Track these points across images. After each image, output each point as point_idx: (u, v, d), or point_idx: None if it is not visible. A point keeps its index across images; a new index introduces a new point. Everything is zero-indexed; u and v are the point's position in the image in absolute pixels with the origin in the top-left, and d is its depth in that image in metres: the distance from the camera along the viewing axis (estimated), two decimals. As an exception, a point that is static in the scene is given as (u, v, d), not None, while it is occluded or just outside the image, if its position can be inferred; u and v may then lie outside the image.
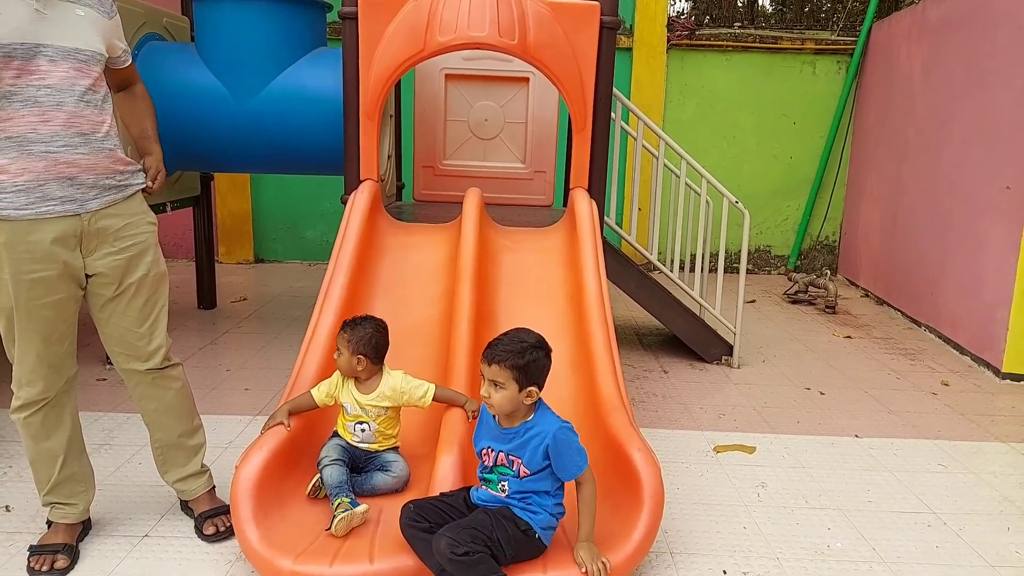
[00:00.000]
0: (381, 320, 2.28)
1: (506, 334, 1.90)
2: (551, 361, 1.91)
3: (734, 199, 3.80)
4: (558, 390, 2.62)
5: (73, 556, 2.01)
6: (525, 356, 1.84)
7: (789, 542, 2.23)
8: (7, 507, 2.28)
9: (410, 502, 1.92)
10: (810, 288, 5.33)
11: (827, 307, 5.06)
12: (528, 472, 1.87)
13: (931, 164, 4.67)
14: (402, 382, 2.22)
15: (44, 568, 1.96)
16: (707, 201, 3.93)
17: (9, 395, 1.99)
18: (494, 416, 1.94)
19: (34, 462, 2.04)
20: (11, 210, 1.82)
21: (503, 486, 1.90)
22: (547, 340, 1.91)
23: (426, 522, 1.85)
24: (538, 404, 1.92)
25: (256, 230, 6.17)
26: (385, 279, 3.00)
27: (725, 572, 2.07)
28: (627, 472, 2.09)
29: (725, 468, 2.69)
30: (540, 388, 1.89)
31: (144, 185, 2.09)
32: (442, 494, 1.97)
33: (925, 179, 4.74)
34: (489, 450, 1.93)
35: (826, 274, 5.39)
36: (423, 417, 2.42)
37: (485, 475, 1.94)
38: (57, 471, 2.03)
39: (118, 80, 2.14)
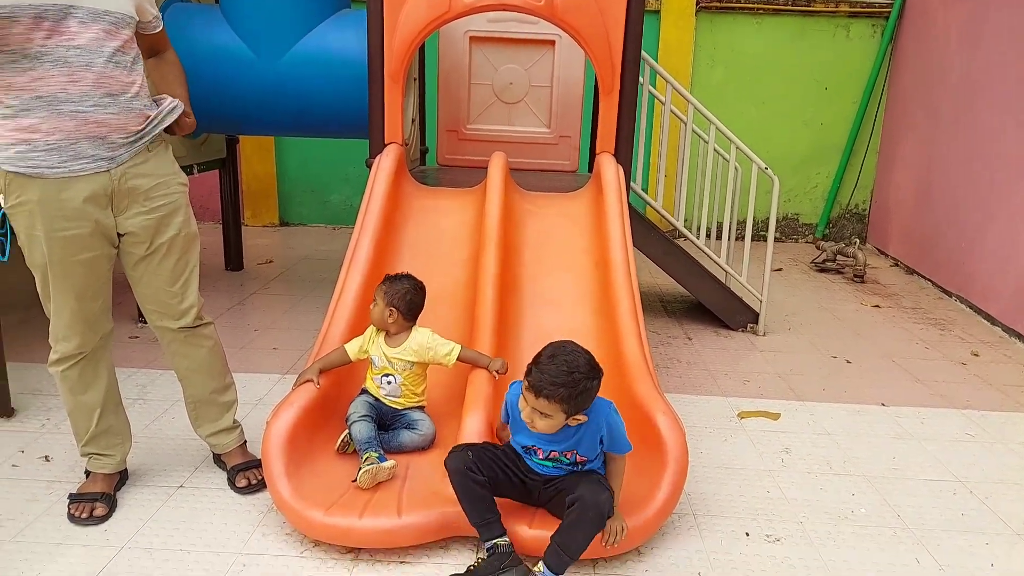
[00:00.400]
0: (420, 281, 2.32)
1: (554, 355, 1.70)
2: (599, 384, 1.77)
3: (764, 165, 3.74)
4: (583, 354, 2.63)
5: (111, 504, 2.08)
6: (578, 388, 1.69)
7: (813, 507, 2.23)
8: (47, 457, 2.36)
9: (466, 448, 1.87)
10: (838, 257, 5.25)
11: (855, 276, 4.99)
12: (586, 459, 1.85)
13: (967, 130, 4.54)
14: (429, 339, 2.25)
15: (84, 515, 2.03)
16: (736, 167, 3.87)
17: (47, 350, 2.04)
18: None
19: (72, 414, 2.10)
20: (44, 168, 1.85)
21: (558, 470, 1.87)
22: (596, 360, 1.76)
23: (482, 475, 1.81)
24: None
25: (281, 194, 6.20)
26: (411, 242, 3.01)
27: (748, 534, 2.08)
28: (652, 435, 2.10)
29: (749, 434, 2.70)
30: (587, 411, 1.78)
31: (169, 122, 2.05)
32: (490, 444, 1.94)
33: (961, 146, 4.62)
34: (536, 448, 1.86)
35: (855, 243, 5.31)
36: (449, 378, 2.44)
37: (529, 458, 1.89)
38: (95, 423, 2.09)
39: (148, 46, 2.12)
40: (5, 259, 2.10)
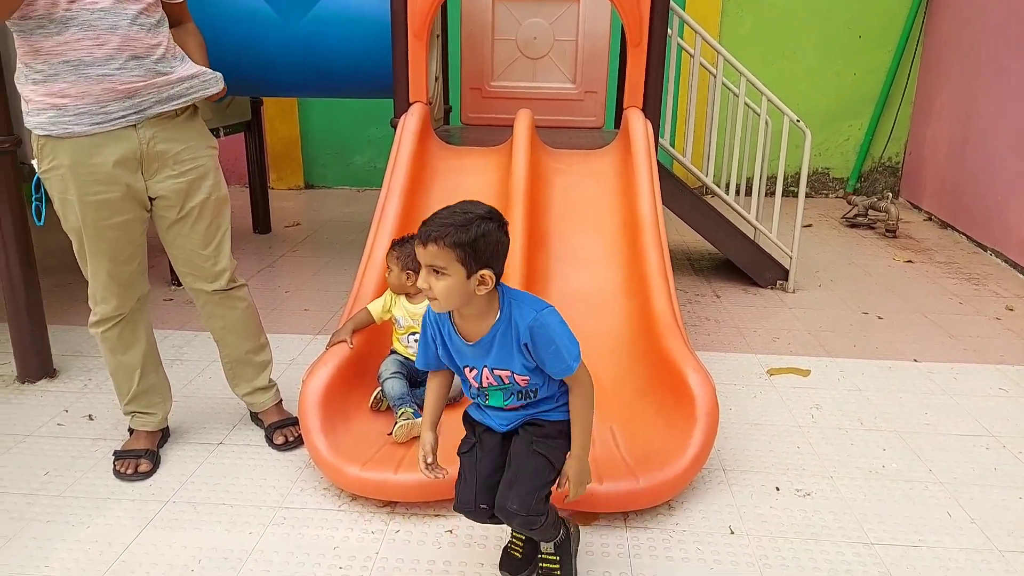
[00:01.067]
0: None
1: (446, 207, 1.42)
2: (509, 238, 1.44)
3: (796, 117, 3.65)
4: (611, 314, 2.64)
5: (155, 461, 2.15)
6: (472, 229, 1.36)
7: (843, 462, 2.23)
8: (90, 416, 2.43)
9: (463, 495, 1.58)
10: (870, 211, 5.15)
11: (887, 231, 4.89)
12: (528, 378, 1.49)
13: (1007, 80, 4.38)
14: None
15: (129, 471, 2.10)
16: (766, 121, 3.79)
17: (87, 313, 2.09)
18: (455, 329, 1.50)
19: (114, 374, 2.16)
20: (75, 127, 1.87)
21: (511, 402, 1.54)
22: (499, 213, 1.43)
23: (490, 508, 1.55)
24: (503, 294, 1.47)
25: (305, 156, 6.20)
26: (437, 202, 2.95)
27: (778, 489, 2.09)
28: (681, 391, 2.11)
29: (779, 391, 2.69)
30: (498, 274, 1.42)
31: (209, 94, 2.06)
32: (473, 450, 1.60)
33: (999, 96, 4.46)
34: (471, 368, 1.52)
35: (887, 197, 5.19)
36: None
37: (482, 400, 1.57)
38: (136, 383, 2.15)
39: (170, 17, 2.11)
40: (41, 223, 2.15)
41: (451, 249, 1.35)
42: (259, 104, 4.57)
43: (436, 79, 3.84)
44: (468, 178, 3.10)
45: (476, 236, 1.36)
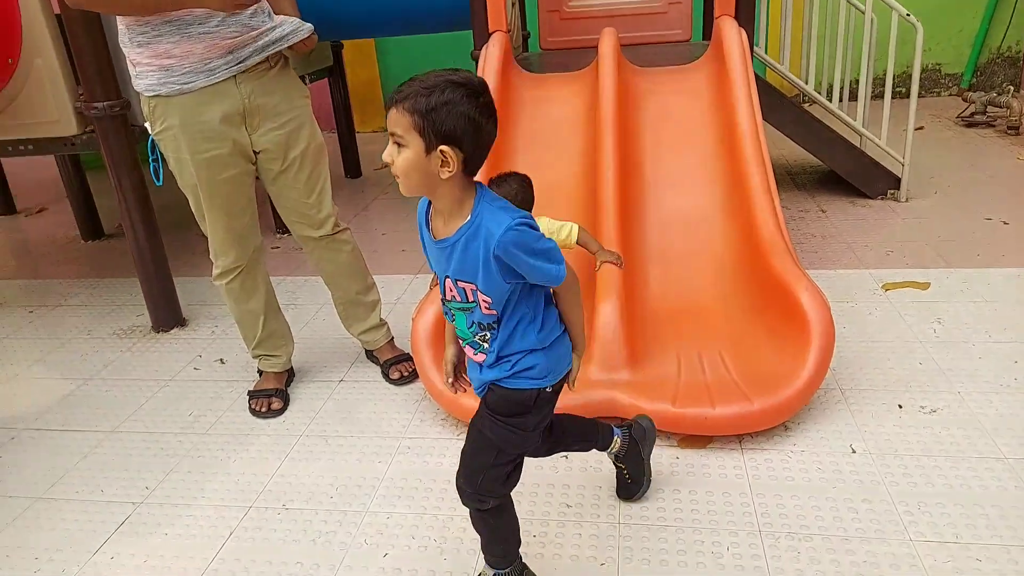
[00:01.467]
0: (526, 176, 2.29)
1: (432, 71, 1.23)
2: (486, 118, 1.20)
3: (905, 11, 3.34)
4: (713, 236, 2.56)
5: (285, 399, 2.30)
6: (435, 95, 1.17)
7: (971, 376, 2.13)
8: (221, 360, 2.61)
9: (461, 489, 1.46)
10: (989, 108, 4.72)
11: (1009, 128, 4.49)
12: (490, 301, 1.29)
13: None
14: (547, 224, 2.26)
15: (263, 409, 2.25)
16: (871, 17, 3.49)
17: (208, 265, 2.22)
18: (427, 222, 1.34)
19: (240, 322, 2.30)
20: (184, 85, 1.93)
21: (481, 340, 1.35)
22: (478, 81, 1.22)
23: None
24: (480, 195, 1.26)
25: (387, 98, 6.24)
26: (525, 135, 2.96)
27: (901, 407, 2.03)
28: (794, 312, 2.04)
29: (896, 306, 2.57)
30: (469, 158, 1.21)
31: (297, 40, 2.08)
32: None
33: None
34: (438, 276, 1.37)
35: (1008, 91, 4.73)
36: (573, 265, 2.45)
37: (450, 319, 1.42)
38: (260, 328, 2.28)
39: None
40: (159, 183, 2.27)
41: (409, 115, 1.17)
42: (340, 48, 4.59)
43: (512, 5, 3.73)
44: (554, 108, 3.03)
45: (438, 103, 1.16)
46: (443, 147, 1.17)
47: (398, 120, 1.18)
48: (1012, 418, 1.94)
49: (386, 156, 1.22)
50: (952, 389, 2.08)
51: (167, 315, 2.88)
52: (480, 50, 3.09)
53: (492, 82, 2.92)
